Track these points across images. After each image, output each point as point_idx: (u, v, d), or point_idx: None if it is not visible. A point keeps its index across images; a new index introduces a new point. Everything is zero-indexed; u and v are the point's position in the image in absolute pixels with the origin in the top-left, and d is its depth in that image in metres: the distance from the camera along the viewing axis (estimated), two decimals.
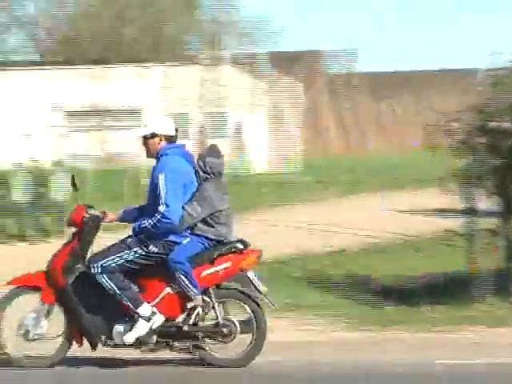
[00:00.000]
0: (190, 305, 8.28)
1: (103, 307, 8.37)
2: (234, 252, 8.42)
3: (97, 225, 8.54)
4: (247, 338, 8.49)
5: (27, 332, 8.40)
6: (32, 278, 8.57)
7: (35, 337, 8.43)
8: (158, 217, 8.05)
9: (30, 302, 8.61)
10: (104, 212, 8.66)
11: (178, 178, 8.19)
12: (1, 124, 35.35)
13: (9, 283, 8.59)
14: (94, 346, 8.38)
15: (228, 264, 8.35)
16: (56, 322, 8.54)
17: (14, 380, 8.48)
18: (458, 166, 12.77)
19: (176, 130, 8.51)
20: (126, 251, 8.25)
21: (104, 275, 8.18)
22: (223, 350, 8.48)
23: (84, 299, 8.32)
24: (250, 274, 8.45)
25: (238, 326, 8.39)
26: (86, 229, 8.41)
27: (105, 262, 8.19)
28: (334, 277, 14.48)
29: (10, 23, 42.53)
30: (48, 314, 8.51)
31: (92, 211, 8.55)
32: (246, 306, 8.46)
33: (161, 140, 8.36)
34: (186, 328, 8.29)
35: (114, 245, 8.44)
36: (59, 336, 8.51)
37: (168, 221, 8.05)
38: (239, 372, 8.55)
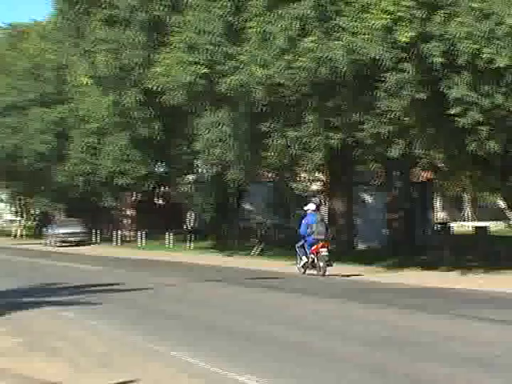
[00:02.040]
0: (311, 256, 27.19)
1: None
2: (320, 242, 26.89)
3: None
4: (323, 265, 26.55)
5: None
6: None
7: None
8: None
9: None
10: None
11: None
12: None
13: None
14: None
15: (319, 246, 26.62)
16: None
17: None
18: None
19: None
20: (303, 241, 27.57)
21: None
22: (319, 266, 26.45)
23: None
24: (323, 250, 26.52)
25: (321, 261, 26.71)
26: None
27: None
28: None
29: None
30: None
31: None
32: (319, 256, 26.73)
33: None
34: (314, 260, 26.93)
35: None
36: None
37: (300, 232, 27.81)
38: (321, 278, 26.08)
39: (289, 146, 29.46)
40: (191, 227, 50.62)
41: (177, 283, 24.80)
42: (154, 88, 32.27)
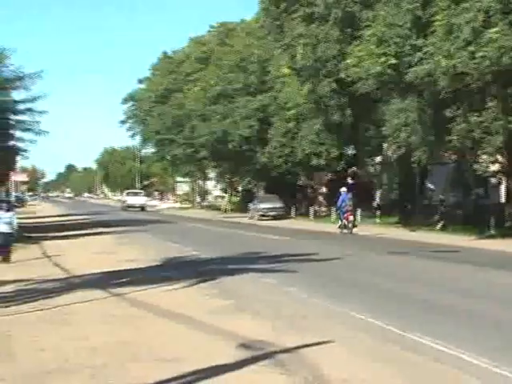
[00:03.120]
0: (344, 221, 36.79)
1: None
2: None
3: None
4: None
5: None
6: None
7: None
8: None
9: None
10: None
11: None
12: None
13: None
14: None
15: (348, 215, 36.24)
16: None
17: None
18: None
19: None
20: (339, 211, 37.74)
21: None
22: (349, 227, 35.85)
23: None
24: (350, 217, 36.20)
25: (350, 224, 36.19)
26: None
27: None
28: None
29: None
30: None
31: None
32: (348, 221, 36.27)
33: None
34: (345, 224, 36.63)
35: None
36: None
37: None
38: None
39: (471, 131, 28.67)
40: (378, 204, 50.10)
41: (363, 254, 24.66)
42: (346, 78, 32.19)
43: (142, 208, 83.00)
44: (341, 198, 37.36)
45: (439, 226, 37.90)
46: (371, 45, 29.94)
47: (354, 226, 36.38)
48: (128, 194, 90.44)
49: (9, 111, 36.31)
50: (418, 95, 31.04)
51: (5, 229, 22.85)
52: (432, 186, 47.20)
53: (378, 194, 53.21)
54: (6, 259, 22.66)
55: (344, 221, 36.59)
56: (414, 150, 33.22)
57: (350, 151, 52.66)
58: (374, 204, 50.69)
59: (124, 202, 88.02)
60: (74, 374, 8.66)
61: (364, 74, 30.37)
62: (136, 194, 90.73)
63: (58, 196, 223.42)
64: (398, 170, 47.12)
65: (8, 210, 23.60)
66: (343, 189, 38.10)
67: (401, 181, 47.25)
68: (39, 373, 8.72)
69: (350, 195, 37.20)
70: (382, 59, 28.96)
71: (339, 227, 36.87)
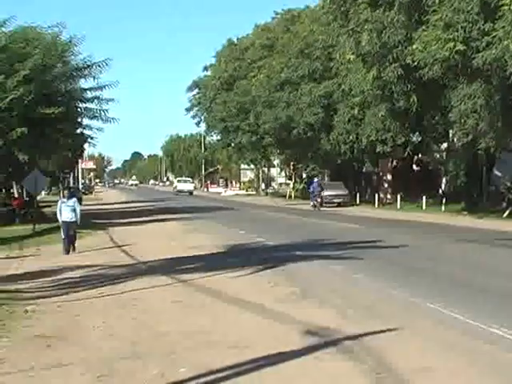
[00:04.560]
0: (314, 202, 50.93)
1: None
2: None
3: None
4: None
5: None
6: None
7: None
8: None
9: None
10: None
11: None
12: None
13: None
14: None
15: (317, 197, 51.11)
16: None
17: None
18: None
19: None
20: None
21: None
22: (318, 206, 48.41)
23: None
24: (318, 199, 51.09)
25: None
26: None
27: None
28: None
29: None
30: None
31: None
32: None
33: None
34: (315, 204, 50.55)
35: None
36: None
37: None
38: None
39: None
40: (443, 192, 49.48)
41: (430, 242, 24.37)
42: (412, 63, 31.77)
43: (190, 193, 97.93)
44: (312, 185, 52.63)
45: (507, 213, 37.27)
46: (438, 30, 29.51)
47: (321, 205, 50.67)
48: (179, 181, 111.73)
49: (77, 99, 36.78)
50: (486, 81, 30.50)
51: (68, 217, 22.22)
52: (499, 173, 46.40)
53: (443, 181, 52.53)
54: (69, 249, 22.14)
55: (314, 201, 50.47)
56: (481, 136, 32.68)
57: (416, 138, 52.03)
58: (440, 191, 50.10)
59: (175, 187, 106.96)
60: (145, 360, 8.73)
61: (430, 60, 29.95)
62: (185, 181, 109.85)
63: (122, 183, 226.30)
64: (464, 157, 46.42)
65: (71, 197, 23.01)
66: (315, 179, 54.96)
67: (467, 168, 46.57)
68: (110, 358, 8.82)
69: (317, 183, 52.25)
70: (450, 44, 28.51)
71: (311, 206, 50.61)
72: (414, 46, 31.28)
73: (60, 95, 35.24)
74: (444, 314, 11.12)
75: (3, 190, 41.46)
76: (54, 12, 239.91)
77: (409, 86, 37.81)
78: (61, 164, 61.84)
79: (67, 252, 21.92)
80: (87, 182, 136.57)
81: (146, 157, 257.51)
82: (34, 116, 32.45)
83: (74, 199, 23.03)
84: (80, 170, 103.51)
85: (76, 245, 22.71)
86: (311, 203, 51.12)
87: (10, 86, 31.61)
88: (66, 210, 22.25)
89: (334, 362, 8.50)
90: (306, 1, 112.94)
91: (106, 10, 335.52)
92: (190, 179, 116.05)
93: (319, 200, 50.69)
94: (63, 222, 22.24)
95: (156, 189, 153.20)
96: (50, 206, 42.58)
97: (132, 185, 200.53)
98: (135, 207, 56.86)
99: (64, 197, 23.42)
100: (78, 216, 22.49)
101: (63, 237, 22.33)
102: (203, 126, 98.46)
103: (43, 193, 42.80)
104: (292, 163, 76.05)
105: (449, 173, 51.50)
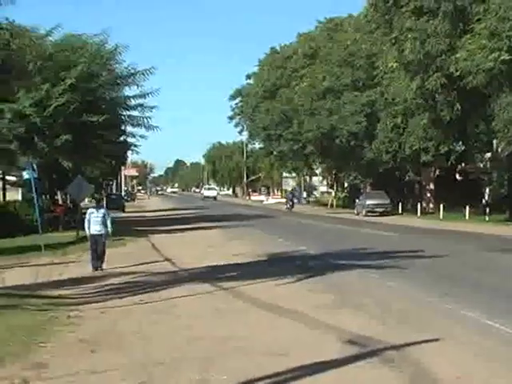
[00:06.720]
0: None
1: None
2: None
3: None
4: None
5: None
6: None
7: None
8: None
9: None
10: None
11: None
12: None
13: None
14: None
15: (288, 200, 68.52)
16: None
17: None
18: None
19: None
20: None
21: None
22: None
23: None
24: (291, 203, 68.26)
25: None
26: None
27: None
28: None
29: None
30: None
31: None
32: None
33: None
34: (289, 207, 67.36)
35: None
36: None
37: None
38: None
39: None
40: (486, 201, 48.99)
41: (470, 251, 24.13)
42: (456, 72, 31.58)
43: (214, 198, 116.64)
44: (290, 192, 73.91)
45: None
46: (483, 39, 29.31)
47: (292, 207, 66.73)
48: (205, 188, 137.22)
49: (121, 107, 37.15)
50: None
51: (97, 229, 20.19)
52: None
53: (487, 190, 52.02)
54: (97, 265, 19.96)
55: (288, 205, 67.08)
56: None
57: (459, 147, 51.60)
58: (483, 201, 49.61)
59: (202, 194, 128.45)
60: (182, 365, 8.78)
61: (474, 69, 29.75)
62: (210, 188, 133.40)
63: (163, 190, 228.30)
64: (508, 167, 45.94)
65: (100, 208, 20.90)
66: (294, 188, 76.23)
67: (511, 178, 46.09)
68: (148, 362, 8.89)
69: (294, 189, 75.14)
70: (494, 54, 28.30)
71: (286, 208, 66.62)
72: (458, 55, 31.13)
73: (104, 103, 35.65)
74: (491, 326, 10.95)
75: (48, 197, 41.92)
76: (102, 18, 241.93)
77: (452, 95, 37.59)
78: (104, 171, 62.42)
79: (95, 269, 19.85)
80: (130, 189, 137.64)
81: (188, 164, 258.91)
82: (78, 123, 32.84)
83: (104, 210, 20.92)
84: (123, 177, 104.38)
85: (105, 259, 20.46)
86: (286, 206, 67.32)
87: (56, 94, 32.04)
88: (95, 222, 20.24)
89: (374, 370, 8.45)
90: (349, 9, 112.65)
91: (152, 18, 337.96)
92: (214, 187, 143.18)
93: (291, 203, 67.59)
94: (91, 235, 20.21)
95: (196, 196, 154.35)
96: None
97: (172, 192, 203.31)
98: (177, 214, 57.15)
99: (95, 207, 21.01)
100: (109, 229, 20.45)
101: (90, 251, 20.36)
102: (245, 133, 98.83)
103: (86, 200, 43.09)
104: (334, 172, 75.87)
105: (492, 182, 51.01)
